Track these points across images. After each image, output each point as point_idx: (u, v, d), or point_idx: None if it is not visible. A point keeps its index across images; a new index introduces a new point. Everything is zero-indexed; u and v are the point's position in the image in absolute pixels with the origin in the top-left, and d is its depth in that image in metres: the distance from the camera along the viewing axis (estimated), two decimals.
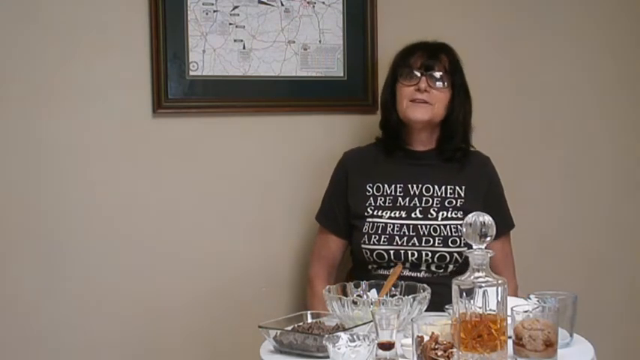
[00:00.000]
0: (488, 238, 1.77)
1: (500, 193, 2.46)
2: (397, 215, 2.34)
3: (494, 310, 1.72)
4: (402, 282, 2.13)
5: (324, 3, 2.62)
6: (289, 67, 2.59)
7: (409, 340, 1.76)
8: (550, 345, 1.76)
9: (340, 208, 2.43)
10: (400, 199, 2.36)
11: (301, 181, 2.64)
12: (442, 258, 2.30)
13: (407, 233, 2.31)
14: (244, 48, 2.53)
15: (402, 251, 2.30)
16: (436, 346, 1.65)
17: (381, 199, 2.37)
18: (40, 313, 2.36)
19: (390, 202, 2.36)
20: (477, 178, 2.41)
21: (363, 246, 2.34)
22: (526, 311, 1.80)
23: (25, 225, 2.33)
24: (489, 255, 1.76)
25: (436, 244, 2.30)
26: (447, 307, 1.92)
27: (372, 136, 2.54)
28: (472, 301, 1.72)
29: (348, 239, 2.44)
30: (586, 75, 3.03)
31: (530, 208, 2.90)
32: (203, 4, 2.48)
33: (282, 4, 2.57)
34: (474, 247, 1.77)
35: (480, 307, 1.72)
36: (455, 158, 2.42)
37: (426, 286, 2.05)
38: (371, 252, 2.33)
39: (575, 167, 3.03)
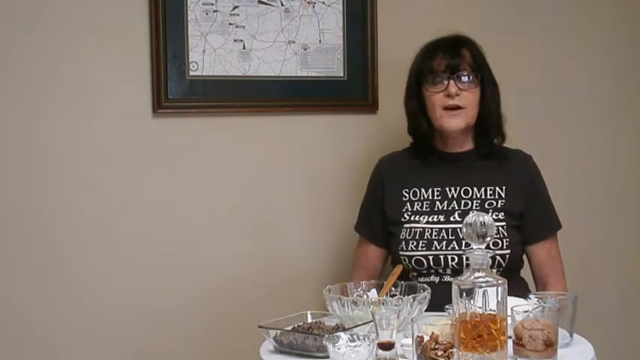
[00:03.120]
0: (488, 238, 1.77)
1: (544, 192, 2.37)
2: (435, 220, 2.27)
3: (494, 310, 1.72)
4: (403, 282, 2.11)
5: (324, 3, 2.62)
6: (289, 67, 2.59)
7: (409, 340, 1.76)
8: (550, 345, 1.76)
9: (377, 216, 2.37)
10: (438, 203, 2.29)
11: (301, 180, 2.64)
12: None
13: (446, 237, 2.24)
14: (244, 48, 2.53)
15: (442, 256, 2.23)
16: (436, 346, 1.65)
17: (418, 204, 2.31)
18: (40, 313, 2.36)
19: (428, 207, 2.29)
20: (517, 177, 2.32)
21: (401, 253, 2.27)
22: (526, 311, 1.80)
23: (25, 224, 2.34)
24: (489, 255, 1.76)
25: None
26: (447, 307, 1.92)
27: (373, 136, 2.54)
28: (472, 301, 1.72)
29: (386, 248, 2.38)
30: (584, 74, 3.03)
31: None
32: (203, 4, 2.48)
33: (282, 4, 2.57)
34: (474, 247, 1.77)
35: (480, 307, 1.72)
36: (492, 156, 2.34)
37: (425, 286, 2.04)
38: (409, 258, 2.26)
39: (574, 167, 3.03)
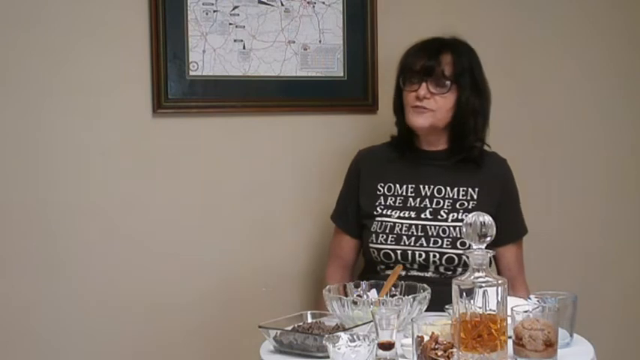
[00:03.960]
0: (488, 238, 1.77)
1: (515, 198, 2.41)
2: (406, 215, 2.31)
3: (494, 310, 1.72)
4: (402, 282, 2.12)
5: (324, 3, 2.62)
6: (289, 67, 2.59)
7: (409, 340, 1.76)
8: (550, 345, 1.76)
9: (352, 208, 2.41)
10: (411, 199, 2.34)
11: (301, 181, 2.64)
12: (450, 260, 2.26)
13: (415, 233, 2.29)
14: (244, 48, 2.53)
15: (410, 251, 2.28)
16: (436, 346, 1.65)
17: (391, 199, 2.35)
18: (40, 313, 2.35)
19: (401, 202, 2.34)
20: (491, 180, 2.36)
21: (370, 245, 2.32)
22: (526, 311, 1.80)
23: (25, 224, 2.33)
24: (489, 255, 1.77)
25: (444, 246, 2.26)
26: (447, 307, 1.92)
27: (373, 136, 2.54)
28: (472, 301, 1.72)
29: (360, 239, 2.42)
30: (586, 76, 3.03)
31: (529, 209, 2.90)
32: (203, 4, 2.48)
33: (282, 4, 2.57)
34: (474, 247, 1.77)
35: (480, 307, 1.72)
36: (470, 159, 2.36)
37: (425, 286, 2.05)
38: (378, 251, 2.31)
39: (575, 167, 3.03)
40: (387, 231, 2.31)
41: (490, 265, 2.34)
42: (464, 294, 1.73)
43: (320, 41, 2.62)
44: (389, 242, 2.30)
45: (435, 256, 2.27)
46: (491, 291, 1.72)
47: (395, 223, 2.31)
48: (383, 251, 2.30)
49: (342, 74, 2.66)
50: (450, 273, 2.26)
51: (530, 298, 1.96)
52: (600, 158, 3.07)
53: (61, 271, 2.37)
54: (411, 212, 2.32)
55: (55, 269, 2.36)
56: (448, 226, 2.28)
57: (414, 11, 2.75)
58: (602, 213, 3.08)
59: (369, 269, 2.38)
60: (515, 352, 1.77)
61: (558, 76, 2.98)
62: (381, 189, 2.37)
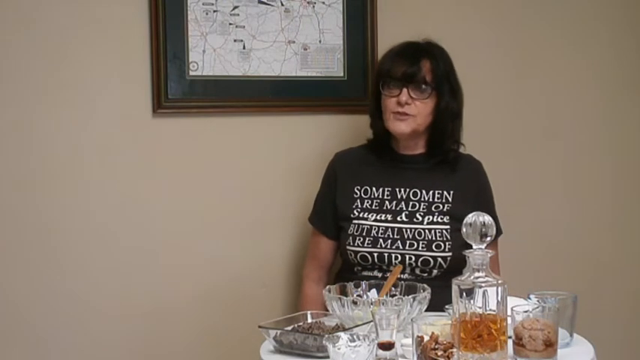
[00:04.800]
0: (489, 238, 1.77)
1: (490, 199, 2.44)
2: (383, 218, 2.34)
3: (494, 310, 1.72)
4: (402, 282, 2.13)
5: (324, 3, 2.62)
6: (289, 67, 2.59)
7: (409, 340, 1.76)
8: (550, 345, 1.76)
9: (330, 209, 2.43)
10: (387, 202, 2.36)
11: (301, 181, 2.64)
12: (426, 262, 2.28)
13: (391, 236, 2.31)
14: (244, 48, 2.53)
15: (386, 254, 2.30)
16: (436, 346, 1.65)
17: (367, 202, 2.37)
18: (39, 314, 2.35)
19: (377, 205, 2.36)
20: (466, 183, 2.39)
21: (348, 247, 2.34)
22: (526, 311, 1.80)
23: (24, 225, 2.33)
24: (489, 255, 1.77)
25: (420, 248, 2.28)
26: (447, 307, 1.92)
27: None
28: (472, 301, 1.72)
29: (337, 240, 2.43)
30: (587, 74, 3.02)
31: (529, 209, 2.90)
32: (203, 4, 2.48)
33: (282, 4, 2.57)
34: (474, 247, 1.77)
35: (480, 307, 1.72)
36: (446, 161, 2.40)
37: (426, 286, 2.05)
38: (355, 254, 2.33)
39: (575, 167, 3.03)
40: (364, 234, 2.33)
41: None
42: (464, 294, 1.73)
43: (320, 41, 2.62)
44: (366, 245, 2.32)
45: (410, 258, 2.29)
46: (491, 291, 1.73)
47: (372, 225, 2.33)
48: (360, 254, 2.32)
49: (342, 74, 2.66)
50: (425, 275, 2.29)
51: (530, 298, 1.96)
52: (601, 158, 3.07)
53: (61, 272, 2.37)
54: (388, 215, 2.34)
55: (55, 269, 2.36)
56: (423, 229, 2.31)
57: (414, 11, 2.75)
58: (601, 213, 3.07)
59: (346, 269, 2.39)
60: (515, 352, 1.77)
61: (559, 74, 2.98)
62: (358, 192, 2.39)
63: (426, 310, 2.00)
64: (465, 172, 2.41)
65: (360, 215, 2.36)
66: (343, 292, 2.09)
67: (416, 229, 2.31)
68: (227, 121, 2.55)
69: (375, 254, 2.30)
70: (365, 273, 2.32)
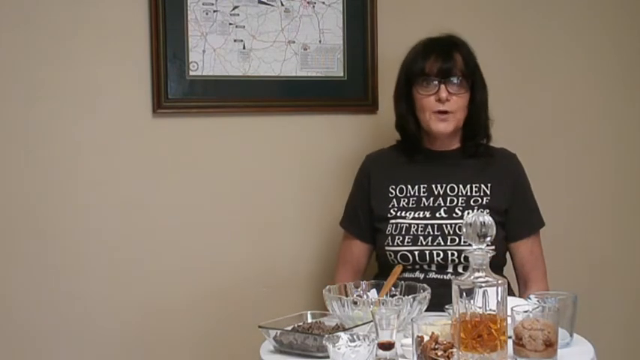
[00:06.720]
0: (488, 238, 1.77)
1: (528, 190, 2.40)
2: (421, 215, 2.30)
3: (494, 310, 1.72)
4: (402, 282, 2.12)
5: (324, 3, 2.62)
6: (289, 67, 2.59)
7: (409, 340, 1.76)
8: (550, 345, 1.76)
9: (363, 212, 2.40)
10: (424, 199, 2.33)
11: (301, 180, 2.64)
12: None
13: (431, 233, 2.27)
14: (244, 48, 2.53)
15: (427, 252, 2.26)
16: (436, 346, 1.65)
17: (404, 200, 2.34)
18: (39, 314, 2.35)
19: (414, 203, 2.33)
20: (502, 175, 2.36)
21: (387, 248, 2.30)
22: (526, 311, 1.80)
23: (24, 225, 2.33)
24: (489, 255, 1.77)
25: (462, 243, 2.22)
26: (447, 307, 1.92)
27: (373, 136, 2.54)
28: (472, 301, 1.72)
29: (371, 244, 2.40)
30: (590, 72, 3.03)
31: None
32: (203, 4, 2.48)
33: (282, 4, 2.57)
34: (474, 246, 1.77)
35: (480, 307, 1.72)
36: (478, 154, 2.38)
37: (425, 286, 2.05)
38: (395, 254, 2.28)
39: (576, 167, 3.03)
40: (403, 232, 2.29)
41: (505, 264, 2.37)
42: (464, 294, 1.73)
43: (320, 41, 2.62)
44: (406, 243, 2.28)
45: (453, 254, 2.25)
46: (491, 291, 1.73)
47: (410, 224, 2.30)
48: (400, 253, 2.28)
49: (342, 74, 2.66)
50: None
51: (530, 298, 1.96)
52: (603, 157, 3.07)
53: (61, 272, 2.37)
54: (426, 212, 2.30)
55: (54, 269, 2.36)
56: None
57: (414, 11, 2.75)
58: (602, 212, 3.08)
59: (385, 273, 2.31)
60: (515, 352, 1.77)
61: (561, 73, 2.98)
62: (393, 191, 2.36)
63: None
64: (500, 165, 2.38)
65: (398, 214, 2.32)
66: (343, 292, 2.09)
67: (456, 224, 2.26)
68: (227, 121, 2.55)
69: (416, 252, 2.26)
70: (406, 275, 2.27)
